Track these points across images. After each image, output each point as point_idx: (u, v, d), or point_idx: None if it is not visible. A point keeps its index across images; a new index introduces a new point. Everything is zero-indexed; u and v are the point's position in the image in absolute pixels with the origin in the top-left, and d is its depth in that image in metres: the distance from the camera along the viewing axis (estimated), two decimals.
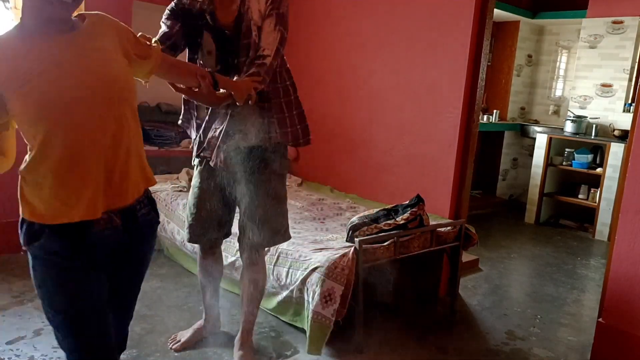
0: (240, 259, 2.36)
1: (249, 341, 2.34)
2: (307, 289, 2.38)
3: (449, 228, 2.81)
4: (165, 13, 2.01)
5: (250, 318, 2.34)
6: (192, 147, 2.20)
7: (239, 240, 2.28)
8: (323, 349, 2.31)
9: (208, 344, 2.44)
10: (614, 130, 4.94)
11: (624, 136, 4.72)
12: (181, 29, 1.98)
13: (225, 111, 2.03)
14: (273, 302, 2.65)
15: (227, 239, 2.43)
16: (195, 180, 2.22)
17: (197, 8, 1.96)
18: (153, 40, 1.58)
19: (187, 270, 3.26)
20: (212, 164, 2.10)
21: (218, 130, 2.06)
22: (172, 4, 2.01)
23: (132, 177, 1.40)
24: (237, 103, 1.79)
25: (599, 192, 4.80)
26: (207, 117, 2.10)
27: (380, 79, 3.54)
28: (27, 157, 1.32)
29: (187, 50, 2.05)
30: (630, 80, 4.99)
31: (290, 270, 2.49)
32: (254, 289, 2.29)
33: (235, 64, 1.99)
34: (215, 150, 2.06)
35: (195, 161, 2.22)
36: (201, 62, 2.03)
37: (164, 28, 1.98)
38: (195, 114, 2.16)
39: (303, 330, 2.50)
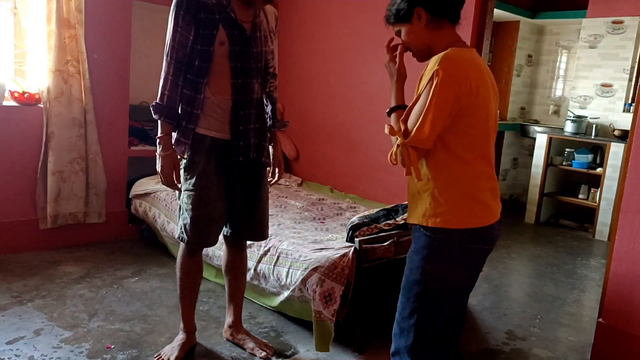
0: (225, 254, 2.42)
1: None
2: (307, 289, 2.38)
3: None
4: (176, 13, 1.97)
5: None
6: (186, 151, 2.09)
7: (243, 236, 2.35)
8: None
9: (199, 353, 2.37)
10: (614, 130, 4.94)
11: (624, 136, 4.71)
12: (194, 32, 1.98)
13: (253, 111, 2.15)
14: (276, 301, 2.64)
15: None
16: (199, 181, 2.11)
17: (214, 2, 1.99)
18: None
19: None
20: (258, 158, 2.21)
21: (252, 128, 2.15)
22: (183, 1, 1.96)
23: None
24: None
25: (599, 192, 4.80)
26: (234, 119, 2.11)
27: (380, 79, 3.53)
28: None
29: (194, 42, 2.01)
30: (630, 80, 4.98)
31: (290, 270, 2.49)
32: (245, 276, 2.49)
33: (248, 67, 2.08)
34: (255, 148, 2.16)
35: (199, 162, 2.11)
36: (213, 51, 2.01)
37: (178, 37, 1.98)
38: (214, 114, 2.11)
39: (303, 330, 2.50)
